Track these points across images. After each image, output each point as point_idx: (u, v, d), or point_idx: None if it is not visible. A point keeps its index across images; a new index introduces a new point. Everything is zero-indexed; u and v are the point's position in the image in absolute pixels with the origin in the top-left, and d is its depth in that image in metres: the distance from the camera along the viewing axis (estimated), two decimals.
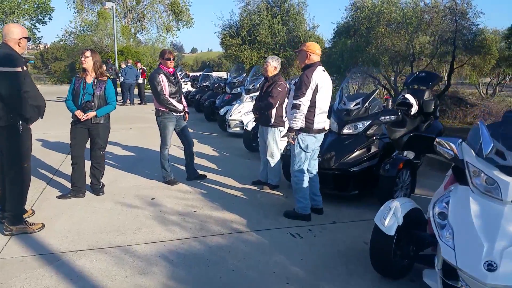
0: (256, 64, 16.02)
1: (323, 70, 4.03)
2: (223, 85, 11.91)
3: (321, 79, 3.93)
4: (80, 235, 3.66)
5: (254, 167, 6.31)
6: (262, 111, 5.09)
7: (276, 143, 5.10)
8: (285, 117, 5.22)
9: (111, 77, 15.54)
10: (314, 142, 4.06)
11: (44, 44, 44.36)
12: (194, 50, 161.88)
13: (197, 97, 13.95)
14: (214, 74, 19.01)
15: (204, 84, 14.60)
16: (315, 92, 3.90)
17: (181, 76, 16.32)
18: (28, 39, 3.68)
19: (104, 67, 14.05)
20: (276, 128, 5.08)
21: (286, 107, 5.21)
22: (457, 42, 10.35)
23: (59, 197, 4.64)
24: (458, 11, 10.26)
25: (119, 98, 14.22)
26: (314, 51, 4.00)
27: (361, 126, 4.67)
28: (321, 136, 4.11)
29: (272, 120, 5.04)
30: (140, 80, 15.42)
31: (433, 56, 11.46)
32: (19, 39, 3.56)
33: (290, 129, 4.01)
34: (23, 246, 3.42)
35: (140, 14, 34.32)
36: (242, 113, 8.79)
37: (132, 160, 6.62)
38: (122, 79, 14.99)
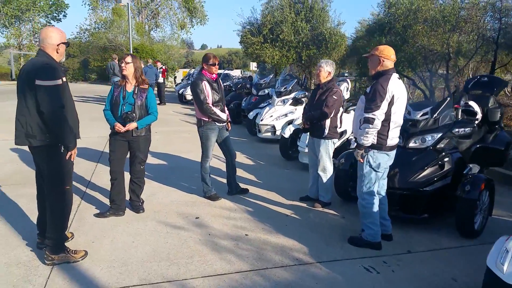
0: (278, 63, 15.55)
1: (398, 78, 3.56)
2: (248, 86, 11.47)
3: (397, 88, 3.46)
4: (128, 265, 3.25)
5: (295, 179, 5.88)
6: (314, 121, 4.62)
7: (329, 157, 4.64)
8: (340, 127, 4.77)
9: None
10: (386, 161, 3.59)
11: None
12: (204, 47, 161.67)
13: None
14: (233, 73, 18.60)
15: (225, 84, 14.17)
16: (390, 104, 3.43)
17: None
18: (67, 44, 3.26)
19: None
20: (329, 140, 4.62)
21: (341, 116, 4.78)
22: (500, 40, 9.73)
23: (97, 215, 4.24)
24: (503, 8, 9.63)
25: None
26: (389, 56, 3.53)
27: (430, 139, 4.20)
28: (393, 154, 3.64)
29: (326, 131, 4.58)
30: (161, 80, 15.02)
31: (472, 56, 10.83)
32: (57, 45, 3.14)
33: (359, 146, 3.55)
34: (68, 279, 3.02)
35: (154, 11, 33.94)
36: (274, 118, 8.35)
37: (164, 170, 6.21)
38: None
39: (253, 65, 27.53)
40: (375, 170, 3.56)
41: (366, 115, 3.42)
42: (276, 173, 6.21)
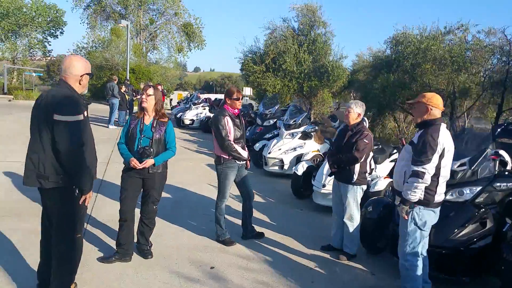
0: (280, 93, 15.38)
1: (447, 128, 3.29)
2: (253, 116, 11.20)
3: (447, 140, 3.18)
4: None
5: (311, 222, 5.51)
6: (343, 165, 4.30)
7: (357, 204, 4.30)
8: (369, 173, 4.46)
9: (128, 98, 14.81)
10: (432, 218, 3.27)
11: (51, 56, 44.03)
12: (197, 69, 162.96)
13: None
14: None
15: None
16: (441, 156, 3.14)
17: (200, 101, 15.66)
18: (91, 75, 2.91)
19: (124, 88, 13.19)
20: (358, 187, 4.29)
21: (370, 161, 4.47)
22: (507, 84, 9.73)
23: (101, 260, 3.77)
24: None
25: None
26: (437, 105, 3.27)
27: (468, 192, 3.89)
28: (438, 210, 3.31)
29: (355, 177, 4.25)
30: None
31: (478, 97, 10.83)
32: (81, 76, 2.80)
33: (404, 201, 3.22)
34: None
35: (153, 34, 33.95)
36: (282, 151, 8.02)
37: (169, 204, 5.76)
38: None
39: (247, 90, 27.29)
40: (420, 229, 3.23)
41: (416, 168, 3.11)
42: (289, 214, 5.82)
